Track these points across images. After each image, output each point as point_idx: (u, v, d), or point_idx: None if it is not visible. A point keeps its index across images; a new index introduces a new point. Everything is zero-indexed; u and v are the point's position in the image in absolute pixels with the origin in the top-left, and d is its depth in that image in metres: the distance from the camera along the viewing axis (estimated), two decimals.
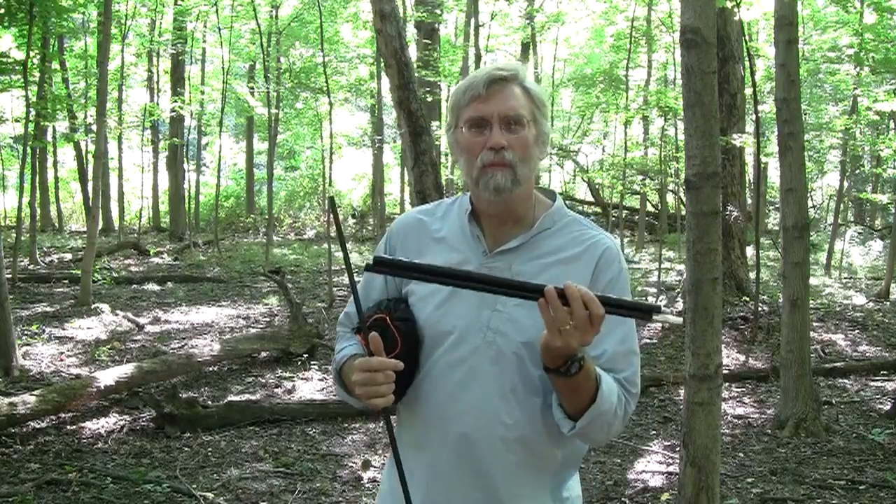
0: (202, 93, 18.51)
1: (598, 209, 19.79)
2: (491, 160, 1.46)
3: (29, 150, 12.53)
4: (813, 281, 9.82)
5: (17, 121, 14.76)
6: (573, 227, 1.55)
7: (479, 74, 1.49)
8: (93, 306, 8.45)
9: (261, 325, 8.17)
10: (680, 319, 1.36)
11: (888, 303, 10.25)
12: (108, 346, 6.84)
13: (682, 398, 3.92)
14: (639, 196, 18.39)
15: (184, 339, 7.43)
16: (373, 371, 1.35)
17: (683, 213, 10.66)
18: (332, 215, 1.35)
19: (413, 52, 13.64)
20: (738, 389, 6.23)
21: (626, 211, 18.57)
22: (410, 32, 14.48)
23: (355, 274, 1.41)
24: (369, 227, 19.91)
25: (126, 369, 5.46)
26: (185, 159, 18.98)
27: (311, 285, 11.10)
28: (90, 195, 11.47)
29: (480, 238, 1.54)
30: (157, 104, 18.27)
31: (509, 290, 1.33)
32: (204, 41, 18.52)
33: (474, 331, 1.47)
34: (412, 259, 1.48)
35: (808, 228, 5.29)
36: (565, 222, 1.56)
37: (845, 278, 13.14)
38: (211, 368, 6.25)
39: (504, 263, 1.50)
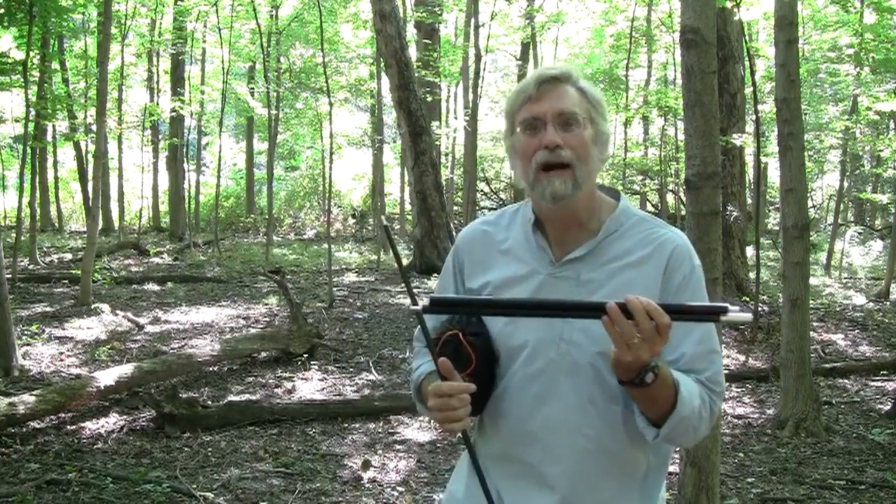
0: (202, 93, 18.52)
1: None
2: (546, 159, 1.42)
3: (29, 150, 12.53)
4: (813, 281, 9.82)
5: (17, 121, 14.77)
6: (641, 227, 1.50)
7: (530, 77, 1.48)
8: (93, 306, 8.45)
9: (261, 325, 8.17)
10: (749, 316, 1.36)
11: (888, 303, 10.24)
12: (108, 346, 6.84)
13: None
14: (639, 196, 18.39)
15: (184, 339, 7.43)
16: (445, 396, 1.34)
17: (683, 213, 10.66)
18: (388, 242, 1.34)
19: (413, 52, 13.65)
20: (738, 389, 6.22)
21: None
22: (410, 32, 14.49)
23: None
24: (369, 227, 19.92)
25: (126, 369, 5.46)
26: (185, 159, 18.98)
27: (311, 285, 11.09)
28: (90, 195, 11.47)
29: (546, 248, 1.50)
30: (157, 104, 18.28)
31: (569, 312, 1.31)
32: (204, 41, 18.52)
33: (547, 343, 1.45)
34: (481, 274, 1.51)
35: (808, 228, 5.29)
36: (633, 223, 1.51)
37: (845, 278, 13.14)
38: (211, 368, 6.25)
39: (572, 272, 1.47)
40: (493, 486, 1.47)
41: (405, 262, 11.59)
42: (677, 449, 4.09)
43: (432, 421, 1.58)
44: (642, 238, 1.48)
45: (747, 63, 8.25)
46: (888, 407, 5.70)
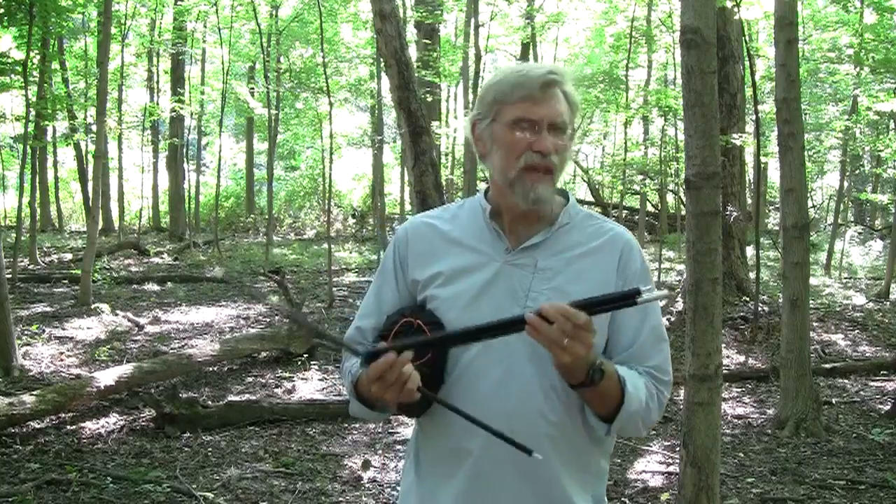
0: (202, 93, 18.51)
1: (598, 209, 19.79)
2: (535, 162, 1.44)
3: (29, 150, 12.53)
4: (813, 281, 9.81)
5: (17, 120, 14.74)
6: (589, 221, 1.56)
7: (530, 73, 1.46)
8: (93, 306, 8.44)
9: (261, 325, 8.17)
10: (665, 292, 1.37)
11: (888, 303, 10.24)
12: (108, 346, 6.83)
13: (682, 398, 3.92)
14: (639, 196, 18.39)
15: (184, 339, 7.43)
16: (390, 368, 1.31)
17: (683, 213, 10.65)
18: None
19: (413, 52, 13.64)
20: (738, 389, 6.22)
21: (626, 211, 18.56)
22: (410, 32, 14.48)
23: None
24: (369, 227, 19.92)
25: (126, 369, 5.46)
26: (185, 159, 18.98)
27: (311, 285, 11.09)
28: (90, 195, 11.47)
29: (501, 235, 1.52)
30: (157, 104, 18.26)
31: (495, 331, 1.33)
32: (204, 41, 18.51)
33: None
34: (429, 265, 1.51)
35: (808, 228, 5.29)
36: (581, 217, 1.57)
37: (845, 278, 13.14)
38: (211, 368, 6.25)
39: (529, 259, 1.49)
40: (448, 479, 1.46)
41: None
42: (677, 448, 4.10)
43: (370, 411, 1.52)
44: (592, 231, 1.54)
45: (747, 63, 8.24)
46: (888, 407, 5.70)
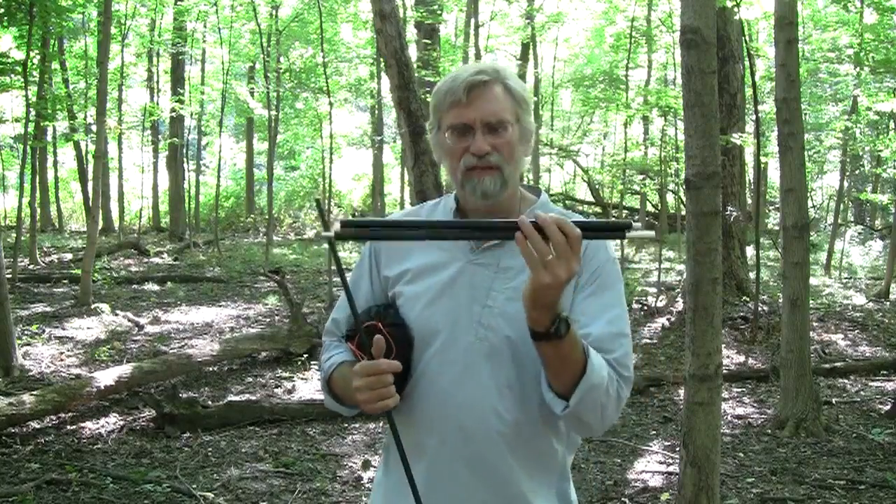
0: (202, 93, 18.49)
1: (598, 209, 19.79)
2: (474, 164, 1.46)
3: (29, 150, 12.53)
4: (813, 281, 9.82)
5: (17, 121, 14.75)
6: None
7: (459, 77, 1.47)
8: (93, 306, 8.44)
9: (261, 325, 8.17)
10: (652, 233, 1.35)
11: (888, 303, 10.24)
12: (108, 346, 6.83)
13: (682, 398, 3.92)
14: (639, 196, 18.39)
15: (183, 339, 7.43)
16: (378, 374, 1.34)
17: (683, 213, 10.65)
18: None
19: (413, 52, 13.64)
20: (738, 389, 6.22)
21: (626, 211, 18.57)
22: (410, 32, 14.47)
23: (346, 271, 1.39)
24: None
25: (126, 369, 5.46)
26: (185, 159, 18.98)
27: (311, 285, 11.09)
28: (90, 195, 11.47)
29: None
30: (157, 104, 18.26)
31: (484, 232, 1.34)
32: (204, 41, 18.50)
33: (465, 328, 1.46)
34: (399, 263, 1.52)
35: (808, 228, 5.28)
36: None
37: (845, 278, 13.14)
38: (211, 368, 6.25)
39: (492, 259, 1.49)
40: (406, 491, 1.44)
41: None
42: (677, 449, 4.09)
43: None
44: None
45: (747, 63, 8.24)
46: (888, 407, 5.70)
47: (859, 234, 18.04)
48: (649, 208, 19.68)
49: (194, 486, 4.01)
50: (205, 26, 17.43)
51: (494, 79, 1.48)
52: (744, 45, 8.54)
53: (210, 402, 5.34)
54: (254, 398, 5.56)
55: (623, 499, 4.07)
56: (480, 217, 1.51)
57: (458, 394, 1.45)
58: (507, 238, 1.27)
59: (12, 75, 9.93)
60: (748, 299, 8.56)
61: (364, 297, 1.58)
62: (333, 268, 10.89)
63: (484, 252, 1.50)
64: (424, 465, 1.47)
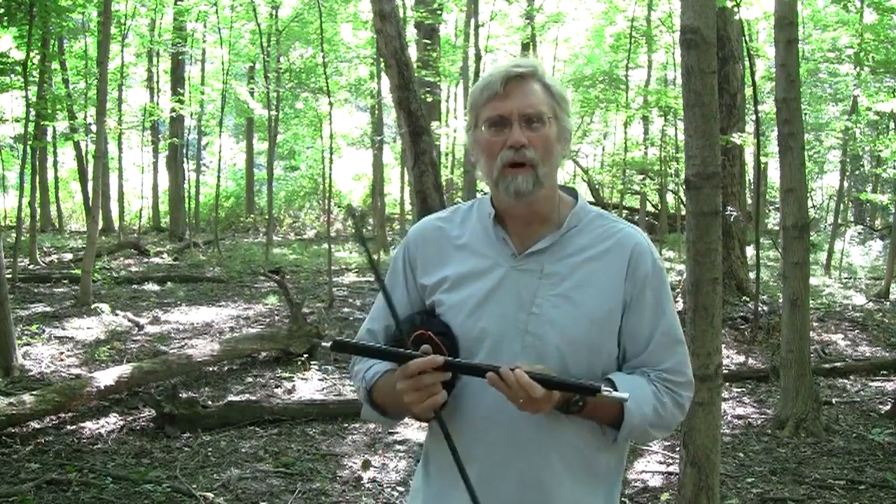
0: (202, 93, 18.51)
1: (598, 209, 19.77)
2: (511, 159, 1.42)
3: (29, 150, 12.54)
4: (813, 281, 9.81)
5: (17, 121, 14.75)
6: (599, 222, 1.52)
7: (496, 72, 1.45)
8: (93, 306, 8.44)
9: (261, 325, 8.17)
10: (626, 395, 1.33)
11: (888, 303, 10.25)
12: (108, 346, 6.83)
13: None
14: (639, 196, 18.38)
15: (183, 339, 7.43)
16: (416, 374, 1.32)
17: (683, 213, 10.65)
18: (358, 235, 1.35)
19: (413, 52, 13.64)
20: (738, 389, 6.22)
21: (626, 211, 18.55)
22: (410, 32, 14.47)
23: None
24: (369, 227, 19.92)
25: (126, 369, 5.46)
26: (185, 159, 18.98)
27: (311, 285, 11.09)
28: (90, 195, 11.47)
29: (507, 241, 1.49)
30: (157, 104, 18.26)
31: (467, 370, 1.36)
32: (204, 41, 18.51)
33: (512, 336, 1.44)
34: (437, 270, 1.50)
35: (808, 228, 5.28)
36: (591, 218, 1.53)
37: (845, 278, 13.14)
38: (211, 368, 6.25)
39: (535, 265, 1.47)
40: (454, 488, 1.42)
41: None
42: (677, 449, 4.10)
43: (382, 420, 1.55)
44: (601, 233, 1.50)
45: (747, 63, 8.24)
46: (888, 407, 5.70)
47: (859, 234, 18.04)
48: (649, 208, 19.68)
49: (194, 486, 4.01)
50: (205, 26, 17.44)
51: (532, 74, 1.45)
52: (744, 45, 8.54)
53: (210, 402, 5.34)
54: (254, 398, 5.56)
55: (623, 499, 4.07)
56: (517, 218, 1.49)
57: (506, 404, 1.42)
58: (481, 377, 1.33)
59: (12, 75, 9.94)
60: (748, 299, 8.56)
61: (400, 306, 1.52)
62: (334, 268, 10.89)
63: (527, 258, 1.47)
64: (474, 473, 1.43)
